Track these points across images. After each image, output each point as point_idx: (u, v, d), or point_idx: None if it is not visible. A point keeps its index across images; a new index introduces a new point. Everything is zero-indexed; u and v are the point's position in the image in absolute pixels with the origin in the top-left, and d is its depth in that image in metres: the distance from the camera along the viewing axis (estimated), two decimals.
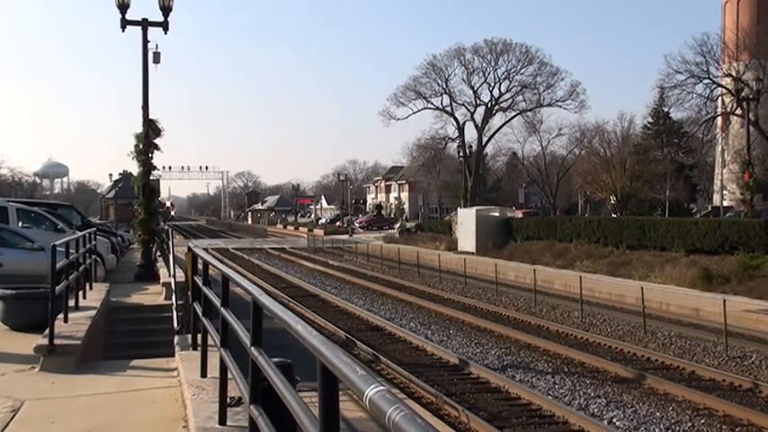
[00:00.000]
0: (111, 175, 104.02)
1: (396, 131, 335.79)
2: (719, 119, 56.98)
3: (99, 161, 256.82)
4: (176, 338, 10.09)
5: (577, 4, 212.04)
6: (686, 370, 13.85)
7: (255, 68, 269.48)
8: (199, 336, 8.13)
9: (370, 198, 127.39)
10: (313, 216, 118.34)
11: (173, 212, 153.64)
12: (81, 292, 12.83)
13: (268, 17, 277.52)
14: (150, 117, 19.77)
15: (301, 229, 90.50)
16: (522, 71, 70.61)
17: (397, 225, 73.31)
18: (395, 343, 17.05)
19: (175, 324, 11.28)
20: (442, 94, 72.04)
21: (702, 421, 10.76)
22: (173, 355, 9.57)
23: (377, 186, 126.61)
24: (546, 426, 10.63)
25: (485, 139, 73.15)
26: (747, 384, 12.60)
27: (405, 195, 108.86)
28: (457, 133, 72.59)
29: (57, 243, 10.06)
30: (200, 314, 7.30)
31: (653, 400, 11.85)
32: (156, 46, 20.09)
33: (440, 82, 71.85)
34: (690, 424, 10.69)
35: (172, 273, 13.99)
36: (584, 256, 32.80)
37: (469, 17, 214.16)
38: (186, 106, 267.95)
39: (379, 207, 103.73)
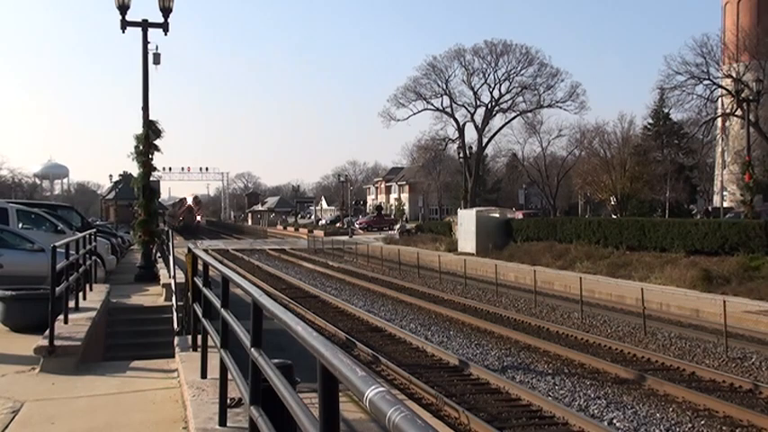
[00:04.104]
0: (111, 176, 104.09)
1: (396, 132, 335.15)
2: (719, 120, 56.97)
3: (99, 162, 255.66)
4: (176, 339, 10.10)
5: (577, 4, 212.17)
6: (686, 371, 13.85)
7: (255, 69, 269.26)
8: (199, 337, 8.14)
9: (370, 199, 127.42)
10: (313, 217, 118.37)
11: (199, 217, 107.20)
12: (81, 294, 12.83)
13: (268, 18, 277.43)
14: (150, 118, 19.79)
15: (301, 230, 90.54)
16: (522, 72, 70.72)
17: (397, 226, 73.33)
18: (395, 344, 17.04)
19: (175, 325, 11.30)
20: (442, 95, 72.13)
21: (702, 422, 10.76)
22: (173, 356, 9.57)
23: (377, 187, 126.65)
24: (546, 427, 10.62)
25: (485, 140, 73.23)
26: (747, 385, 12.60)
27: (405, 196, 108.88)
28: (457, 134, 72.65)
29: (57, 244, 10.06)
30: (201, 315, 7.30)
31: (653, 401, 11.85)
32: (156, 47, 20.12)
33: (440, 83, 71.94)
34: (690, 425, 10.69)
35: (172, 274, 14.01)
36: (584, 257, 32.81)
37: (469, 18, 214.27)
38: (186, 107, 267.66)
39: (379, 208, 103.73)
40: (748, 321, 18.43)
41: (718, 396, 11.94)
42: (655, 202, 57.45)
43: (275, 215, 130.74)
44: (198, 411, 6.19)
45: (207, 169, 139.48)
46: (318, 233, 75.02)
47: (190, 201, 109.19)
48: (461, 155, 71.15)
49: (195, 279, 8.50)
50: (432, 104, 72.68)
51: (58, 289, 9.64)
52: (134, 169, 20.80)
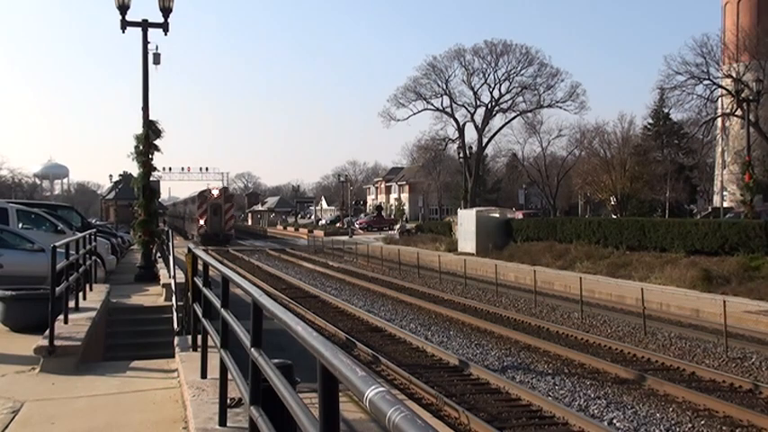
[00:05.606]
0: (111, 176, 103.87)
1: (396, 132, 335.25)
2: (719, 120, 56.96)
3: (99, 162, 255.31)
4: (176, 339, 10.10)
5: (577, 4, 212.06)
6: (686, 371, 13.85)
7: (256, 69, 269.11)
8: (199, 337, 8.14)
9: (370, 199, 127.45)
10: (313, 217, 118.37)
11: (228, 217, 66.12)
12: (81, 294, 12.84)
13: (267, 18, 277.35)
14: (150, 118, 19.79)
15: (301, 230, 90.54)
16: (522, 72, 70.77)
17: (397, 226, 73.34)
18: (395, 344, 17.04)
19: (175, 325, 11.30)
20: (442, 95, 72.17)
21: (702, 422, 10.76)
22: (173, 356, 9.57)
23: (377, 187, 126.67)
24: (546, 427, 10.62)
25: (485, 140, 73.27)
26: (747, 385, 12.60)
27: (405, 196, 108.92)
28: (457, 134, 72.69)
29: (57, 244, 10.06)
30: (201, 315, 7.31)
31: (653, 401, 11.85)
32: (156, 47, 20.12)
33: (440, 83, 71.98)
34: (690, 425, 10.69)
35: (172, 274, 14.01)
36: (584, 257, 32.81)
37: (469, 18, 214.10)
38: (186, 107, 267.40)
39: (379, 208, 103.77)
40: (748, 321, 18.44)
41: (718, 396, 11.94)
42: (655, 202, 57.48)
43: (275, 215, 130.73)
44: (198, 411, 6.19)
45: (207, 169, 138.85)
46: (318, 233, 75.02)
47: (215, 194, 67.20)
48: (461, 155, 71.17)
49: (195, 279, 8.50)
50: (432, 104, 72.80)
51: (58, 289, 9.64)
52: (134, 169, 20.81)
